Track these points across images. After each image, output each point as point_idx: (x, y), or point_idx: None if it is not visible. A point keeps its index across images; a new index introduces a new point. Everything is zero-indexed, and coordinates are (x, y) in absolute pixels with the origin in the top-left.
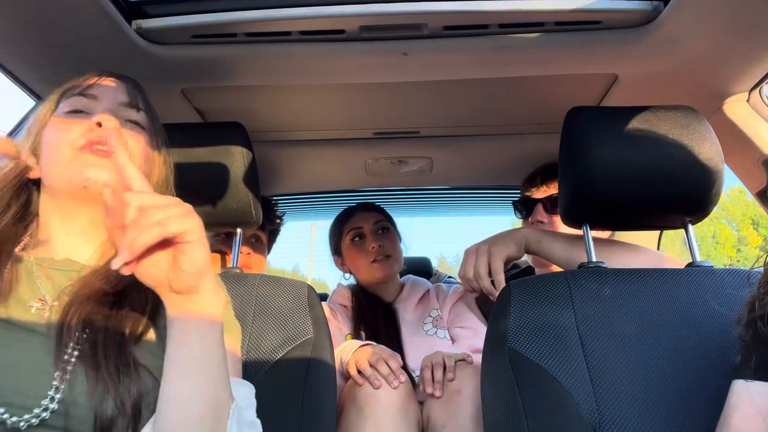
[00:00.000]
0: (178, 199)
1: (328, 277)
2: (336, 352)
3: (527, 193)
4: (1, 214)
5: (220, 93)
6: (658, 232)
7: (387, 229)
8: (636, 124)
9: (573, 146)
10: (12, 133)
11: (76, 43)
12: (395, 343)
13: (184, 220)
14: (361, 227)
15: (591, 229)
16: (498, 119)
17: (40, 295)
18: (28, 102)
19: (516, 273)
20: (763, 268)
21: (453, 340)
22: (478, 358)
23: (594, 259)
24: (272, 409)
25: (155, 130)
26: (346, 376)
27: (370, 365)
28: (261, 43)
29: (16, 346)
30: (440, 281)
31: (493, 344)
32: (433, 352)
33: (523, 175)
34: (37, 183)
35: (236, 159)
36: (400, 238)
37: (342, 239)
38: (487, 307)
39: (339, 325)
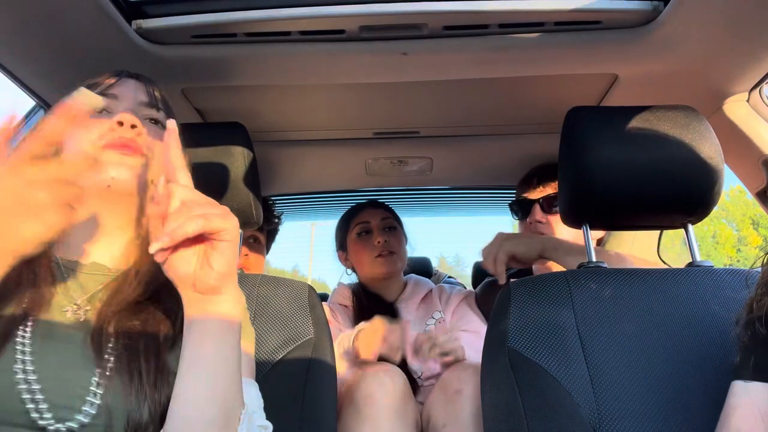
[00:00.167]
0: (215, 201)
1: (328, 277)
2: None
3: (523, 195)
4: None
5: (220, 93)
6: (658, 232)
7: (394, 228)
8: (636, 123)
9: (573, 146)
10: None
11: (76, 42)
12: None
13: (225, 219)
14: (369, 222)
15: (591, 228)
16: (498, 119)
17: (73, 299)
18: (28, 102)
19: (515, 273)
20: (761, 268)
21: None
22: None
23: (594, 259)
24: (273, 409)
25: None
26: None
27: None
28: (261, 43)
29: (56, 352)
30: (440, 281)
31: (493, 344)
32: None
33: (524, 175)
34: None
35: (237, 159)
36: (406, 239)
37: (348, 233)
38: (486, 307)
39: (339, 326)
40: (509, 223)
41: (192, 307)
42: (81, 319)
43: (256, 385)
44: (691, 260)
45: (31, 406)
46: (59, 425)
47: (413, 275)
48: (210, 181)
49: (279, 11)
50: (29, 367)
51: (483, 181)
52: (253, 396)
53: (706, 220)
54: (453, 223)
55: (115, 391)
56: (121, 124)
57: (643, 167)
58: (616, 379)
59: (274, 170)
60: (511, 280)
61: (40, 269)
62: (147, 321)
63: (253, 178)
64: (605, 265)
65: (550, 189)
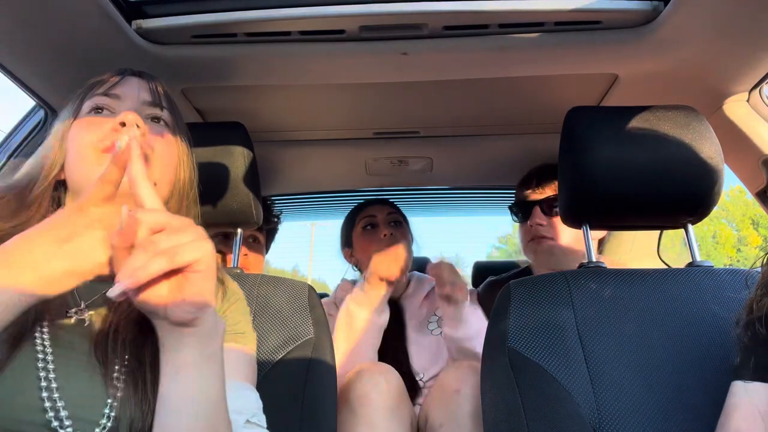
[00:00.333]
0: (190, 221)
1: (328, 277)
2: (340, 314)
3: (523, 196)
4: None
5: (220, 93)
6: (658, 232)
7: (399, 223)
8: (636, 123)
9: (573, 146)
10: (12, 134)
11: (76, 42)
12: (400, 341)
13: (195, 249)
14: (375, 216)
15: (591, 228)
16: (498, 119)
17: (77, 303)
18: (28, 102)
19: (515, 273)
20: (761, 269)
21: None
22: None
23: (594, 259)
24: (273, 409)
25: (179, 128)
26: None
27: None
28: (261, 43)
29: (68, 360)
30: None
31: (492, 344)
32: (437, 352)
33: (524, 175)
34: (65, 184)
35: (237, 159)
36: (412, 239)
37: (354, 228)
38: (486, 307)
39: None
40: (509, 223)
41: (166, 338)
42: (86, 324)
43: (257, 393)
44: (691, 260)
45: (51, 414)
46: None
47: (415, 272)
48: (210, 181)
49: (279, 11)
50: (52, 375)
51: (483, 181)
52: (252, 400)
53: (706, 220)
54: (453, 223)
55: (123, 401)
56: (123, 124)
57: (643, 167)
58: (616, 379)
59: (274, 170)
60: (511, 280)
61: None
62: (150, 326)
63: (253, 178)
64: (605, 265)
65: (549, 190)
